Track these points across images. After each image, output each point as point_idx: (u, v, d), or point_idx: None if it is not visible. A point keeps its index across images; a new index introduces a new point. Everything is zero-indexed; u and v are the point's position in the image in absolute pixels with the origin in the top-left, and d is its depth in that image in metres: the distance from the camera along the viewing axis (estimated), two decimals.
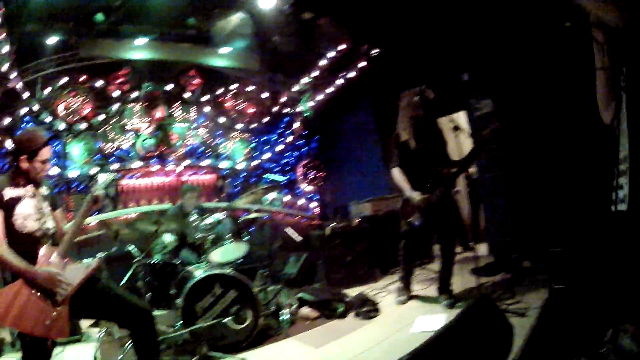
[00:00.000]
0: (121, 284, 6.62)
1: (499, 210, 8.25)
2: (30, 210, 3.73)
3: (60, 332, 3.46)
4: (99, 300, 3.85)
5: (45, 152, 3.81)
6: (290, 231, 8.98)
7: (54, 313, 3.43)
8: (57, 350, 5.37)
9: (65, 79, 9.86)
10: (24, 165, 3.74)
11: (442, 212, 5.87)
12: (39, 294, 3.44)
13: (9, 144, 9.04)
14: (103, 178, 4.18)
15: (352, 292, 7.00)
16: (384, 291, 7.25)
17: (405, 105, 6.05)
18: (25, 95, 9.18)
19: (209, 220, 6.29)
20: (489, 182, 8.46)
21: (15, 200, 3.68)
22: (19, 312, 3.30)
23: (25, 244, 3.62)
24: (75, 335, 6.12)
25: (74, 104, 10.10)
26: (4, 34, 7.63)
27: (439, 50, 8.75)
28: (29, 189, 3.82)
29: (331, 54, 10.53)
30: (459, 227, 9.23)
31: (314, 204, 12.72)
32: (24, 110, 9.29)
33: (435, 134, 6.11)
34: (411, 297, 6.54)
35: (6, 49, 7.90)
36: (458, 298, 5.92)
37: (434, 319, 5.29)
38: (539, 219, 7.25)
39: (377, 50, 9.96)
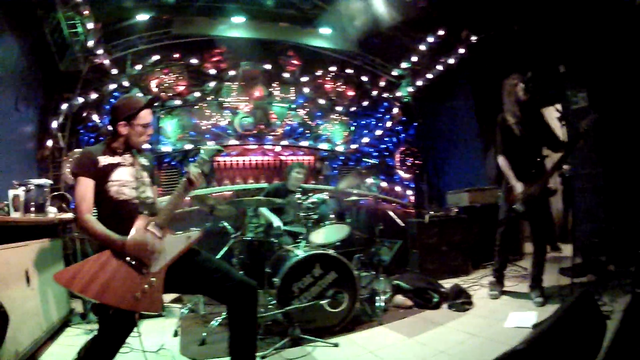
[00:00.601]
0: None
1: (590, 210, 8.01)
2: (128, 177, 3.64)
3: (151, 305, 3.31)
4: (200, 274, 3.67)
5: (145, 115, 3.74)
6: (393, 215, 9.02)
7: (146, 285, 3.29)
8: None
9: (156, 57, 10.17)
10: (123, 130, 3.67)
11: (539, 206, 5.85)
12: (129, 264, 3.31)
13: (95, 119, 9.50)
14: (206, 151, 3.98)
15: (444, 283, 6.94)
16: (476, 284, 7.22)
17: (509, 90, 6.01)
18: (114, 71, 9.54)
19: (313, 199, 6.23)
20: (582, 180, 8.20)
21: (111, 167, 3.58)
22: (105, 283, 3.15)
23: (121, 212, 3.52)
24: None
25: (167, 81, 10.47)
26: (88, 10, 7.87)
27: (536, 40, 8.58)
28: (127, 157, 3.75)
29: (431, 39, 10.43)
30: (550, 224, 9.08)
31: (409, 192, 12.64)
32: (112, 86, 9.65)
33: (540, 122, 6.03)
34: (503, 292, 6.50)
35: (91, 25, 8.20)
36: (548, 295, 5.85)
37: (526, 315, 5.25)
38: (631, 221, 6.98)
39: (477, 37, 9.80)
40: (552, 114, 5.93)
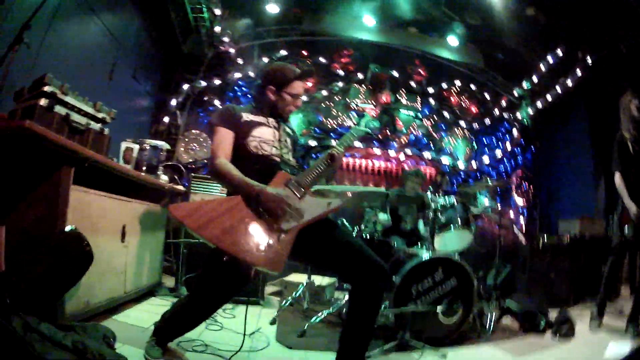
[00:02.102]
0: None
1: None
2: (270, 137, 3.41)
3: (273, 264, 2.83)
4: (333, 246, 3.26)
5: (297, 86, 3.54)
6: (517, 232, 8.70)
7: (272, 240, 2.87)
8: (228, 305, 5.45)
9: (284, 52, 10.25)
10: (272, 96, 3.49)
11: None
12: (260, 215, 2.95)
13: (217, 103, 9.50)
14: (355, 130, 3.89)
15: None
16: (578, 316, 6.60)
17: (624, 107, 5.72)
18: (240, 61, 9.54)
19: (443, 201, 5.98)
20: None
21: (254, 124, 3.39)
22: (228, 228, 2.81)
23: (261, 165, 3.26)
24: (256, 297, 6.00)
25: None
26: None
27: None
28: (272, 120, 3.53)
29: (550, 59, 10.20)
30: None
31: (521, 217, 12.24)
32: (237, 75, 9.66)
33: None
34: (603, 325, 6.09)
35: (218, 11, 8.17)
36: None
37: (625, 348, 5.10)
38: None
39: (594, 57, 9.37)
40: None
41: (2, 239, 2.76)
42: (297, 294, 6.28)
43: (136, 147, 4.85)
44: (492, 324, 5.83)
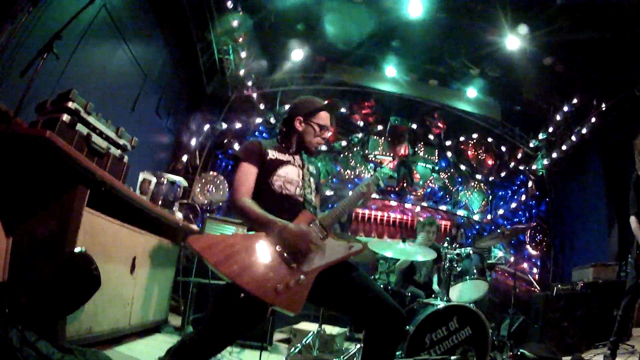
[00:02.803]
0: None
1: None
2: (295, 177, 3.32)
3: (291, 304, 2.80)
4: (351, 289, 3.15)
5: (324, 117, 3.47)
6: (532, 281, 8.69)
7: (292, 281, 2.80)
8: (235, 349, 5.36)
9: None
10: (299, 126, 3.41)
11: None
12: (280, 254, 2.87)
13: (236, 147, 9.52)
14: (380, 173, 3.73)
15: None
16: None
17: (639, 149, 5.67)
18: (262, 106, 9.66)
19: (459, 251, 5.91)
20: None
21: (279, 163, 3.30)
22: (247, 265, 2.75)
23: (284, 205, 3.17)
24: (264, 342, 5.89)
25: None
26: (242, 37, 7.97)
27: None
28: (297, 158, 3.44)
29: (566, 108, 10.30)
30: None
31: (535, 270, 12.19)
32: (258, 120, 9.77)
33: None
34: None
35: (244, 54, 8.29)
36: None
37: None
38: None
39: (607, 103, 9.40)
40: None
41: (8, 249, 2.75)
42: (307, 341, 6.19)
43: (154, 179, 4.84)
44: None
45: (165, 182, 5.09)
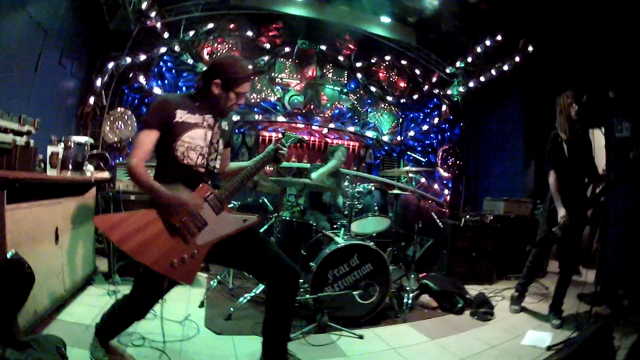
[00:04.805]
0: None
1: (618, 240, 7.85)
2: (200, 142, 3.44)
3: (185, 276, 3.25)
4: (250, 251, 3.57)
5: (245, 86, 3.53)
6: (434, 216, 9.07)
7: (186, 255, 3.21)
8: None
9: (211, 25, 10.31)
10: (215, 90, 3.44)
11: (574, 232, 5.85)
12: (176, 230, 3.19)
13: (142, 80, 9.65)
14: (289, 138, 3.94)
15: (468, 288, 7.01)
16: (498, 295, 7.28)
17: (563, 108, 5.94)
18: (166, 35, 9.61)
19: (360, 189, 6.24)
20: (615, 209, 8.06)
21: (186, 126, 3.38)
22: (146, 241, 3.08)
23: (183, 176, 3.35)
24: None
25: (220, 50, 10.65)
26: None
27: (591, 61, 8.48)
28: (208, 118, 3.54)
29: (488, 43, 10.41)
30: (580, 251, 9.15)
31: (446, 191, 12.74)
32: (162, 50, 9.75)
33: (587, 147, 6.00)
34: (523, 308, 6.57)
35: None
36: (565, 319, 5.92)
37: (543, 336, 5.33)
38: None
39: (533, 48, 9.70)
40: (595, 136, 5.90)
41: None
42: (223, 275, 6.66)
43: (61, 149, 4.95)
44: (411, 302, 6.21)
45: (72, 145, 5.21)
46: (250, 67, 3.65)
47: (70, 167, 5.12)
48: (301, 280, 5.56)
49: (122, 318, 3.72)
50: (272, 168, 10.37)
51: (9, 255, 3.05)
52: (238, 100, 3.56)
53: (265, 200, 7.18)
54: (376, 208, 6.46)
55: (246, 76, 3.53)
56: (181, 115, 3.37)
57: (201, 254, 3.30)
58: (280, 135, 3.85)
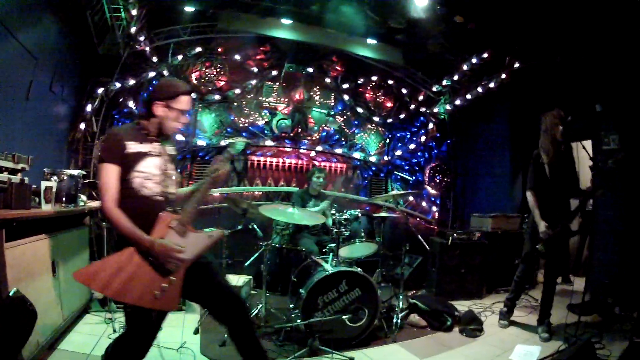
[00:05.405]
0: (246, 264, 7.13)
1: (606, 249, 8.01)
2: (154, 170, 3.50)
3: (169, 304, 3.32)
4: (209, 284, 3.71)
5: (185, 101, 3.60)
6: (420, 238, 9.13)
7: (165, 284, 3.28)
8: None
9: (199, 49, 10.43)
10: (159, 112, 3.53)
11: (558, 245, 5.95)
12: (151, 263, 3.27)
13: (131, 105, 9.71)
14: (236, 145, 4.01)
15: (457, 304, 7.10)
16: (488, 310, 7.38)
17: (548, 128, 6.02)
18: (155, 59, 9.73)
19: (346, 215, 6.42)
20: (603, 219, 8.17)
21: (139, 157, 3.44)
22: (126, 282, 3.15)
23: (144, 207, 3.41)
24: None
25: (208, 74, 10.74)
26: None
27: (577, 76, 8.60)
28: (157, 146, 3.59)
29: (474, 60, 10.57)
30: (565, 259, 9.20)
31: (434, 208, 12.81)
32: (151, 74, 9.79)
33: (570, 162, 6.13)
34: (512, 322, 6.67)
35: (135, 11, 8.39)
36: (554, 331, 6.00)
37: (531, 349, 5.38)
38: None
39: (519, 64, 9.86)
40: (581, 150, 6.00)
41: None
42: None
43: (54, 183, 4.99)
44: (400, 321, 6.29)
45: (65, 178, 5.29)
46: (184, 84, 3.74)
47: (64, 200, 5.19)
48: (292, 306, 5.80)
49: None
50: (260, 193, 10.54)
51: (11, 293, 3.11)
52: (181, 117, 3.63)
53: (255, 226, 7.26)
54: (363, 234, 6.60)
55: (185, 91, 3.62)
56: (132, 146, 3.43)
57: (178, 279, 3.38)
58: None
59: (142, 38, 9.10)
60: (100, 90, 9.07)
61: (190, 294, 3.71)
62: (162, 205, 3.52)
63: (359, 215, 6.63)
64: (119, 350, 3.70)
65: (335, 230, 6.21)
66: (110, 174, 3.31)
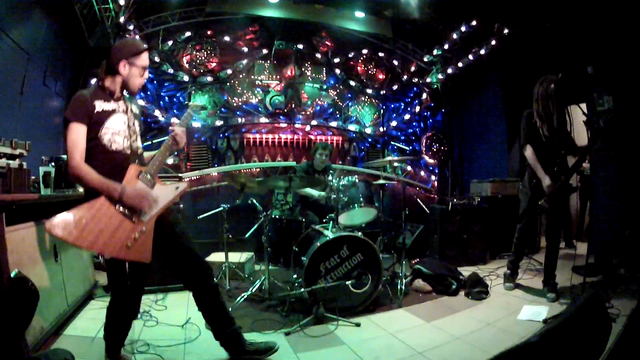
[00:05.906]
0: (247, 235, 7.17)
1: (607, 211, 8.04)
2: (122, 126, 3.62)
3: (141, 254, 3.34)
4: (174, 243, 3.80)
5: (145, 58, 3.73)
6: (420, 202, 9.13)
7: (136, 234, 3.33)
8: (159, 296, 5.93)
9: (188, 33, 10.47)
10: (123, 70, 3.60)
11: (559, 203, 5.92)
12: (122, 213, 3.32)
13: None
14: (191, 107, 4.13)
15: (462, 270, 7.06)
16: (492, 274, 7.36)
17: (542, 92, 5.89)
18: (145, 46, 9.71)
19: (344, 182, 6.39)
20: (602, 181, 8.24)
21: (106, 114, 3.54)
22: (99, 232, 3.16)
23: (113, 162, 3.50)
24: (179, 284, 5.93)
25: (199, 57, 10.72)
26: None
27: (568, 39, 8.58)
28: (122, 104, 3.70)
29: (464, 29, 10.53)
30: (567, 221, 9.35)
31: (433, 177, 12.83)
32: None
33: (564, 125, 5.97)
34: (517, 285, 6.66)
35: (122, 1, 8.36)
36: (560, 292, 5.96)
37: (538, 310, 5.38)
38: None
39: (509, 30, 9.78)
40: (575, 112, 5.90)
41: None
42: (219, 277, 6.80)
43: (52, 169, 4.99)
44: (405, 287, 6.31)
45: (62, 163, 5.26)
46: (143, 42, 3.88)
47: (63, 185, 5.19)
48: (295, 276, 5.82)
49: (117, 322, 3.88)
50: (258, 169, 10.54)
51: (12, 274, 3.11)
52: (144, 74, 3.75)
53: (254, 200, 7.27)
54: (362, 199, 6.46)
55: (145, 49, 3.74)
56: (99, 105, 3.52)
57: (149, 230, 3.43)
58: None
59: (131, 27, 9.09)
60: (93, 82, 9.00)
61: (158, 253, 3.68)
62: (131, 159, 3.63)
63: (357, 181, 6.57)
64: (109, 315, 3.85)
65: (333, 197, 6.22)
66: (78, 132, 3.39)
